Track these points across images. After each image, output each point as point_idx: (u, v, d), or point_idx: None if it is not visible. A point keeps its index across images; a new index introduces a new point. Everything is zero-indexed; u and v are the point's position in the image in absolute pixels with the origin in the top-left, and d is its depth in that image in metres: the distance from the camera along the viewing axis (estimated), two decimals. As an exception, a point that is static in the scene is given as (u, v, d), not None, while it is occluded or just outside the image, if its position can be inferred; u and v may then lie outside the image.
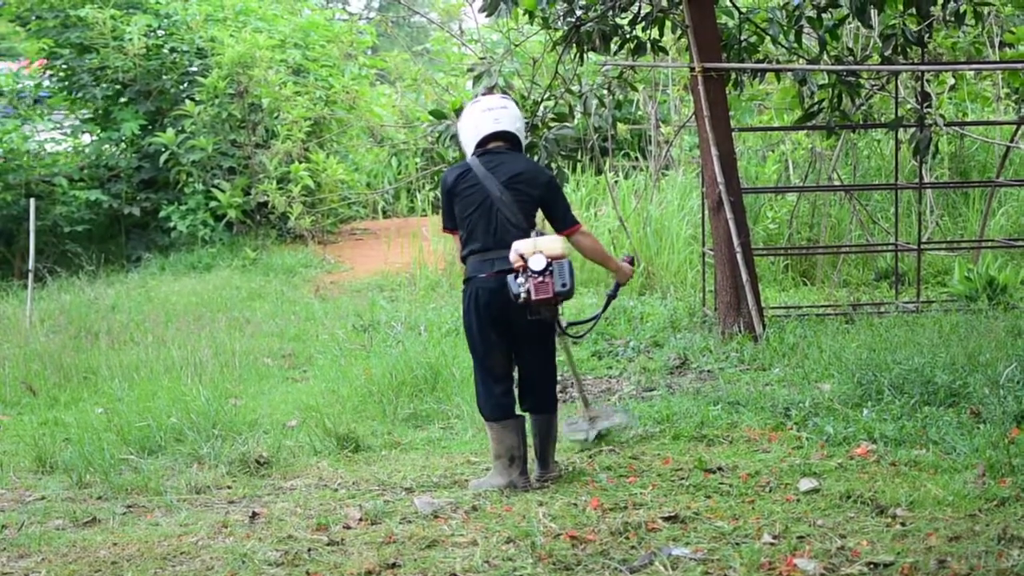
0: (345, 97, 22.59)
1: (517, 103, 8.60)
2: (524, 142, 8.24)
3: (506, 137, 8.01)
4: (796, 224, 16.20)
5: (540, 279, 7.50)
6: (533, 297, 7.50)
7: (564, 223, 8.01)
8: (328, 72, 23.01)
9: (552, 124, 12.02)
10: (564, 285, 7.52)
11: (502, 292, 7.66)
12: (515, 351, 7.95)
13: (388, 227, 22.33)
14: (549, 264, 7.52)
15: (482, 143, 8.00)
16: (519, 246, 7.61)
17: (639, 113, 21.11)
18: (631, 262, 8.48)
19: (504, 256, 7.69)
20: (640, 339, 12.15)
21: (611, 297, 8.71)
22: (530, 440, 8.00)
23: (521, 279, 7.52)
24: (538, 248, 7.56)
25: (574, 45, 12.03)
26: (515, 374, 8.04)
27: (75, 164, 21.77)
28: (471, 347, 7.98)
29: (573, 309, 13.56)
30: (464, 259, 7.94)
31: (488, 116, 8.02)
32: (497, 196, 7.80)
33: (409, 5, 28.29)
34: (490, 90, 10.72)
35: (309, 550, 6.74)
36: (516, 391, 8.04)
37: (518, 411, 7.98)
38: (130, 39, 21.33)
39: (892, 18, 12.13)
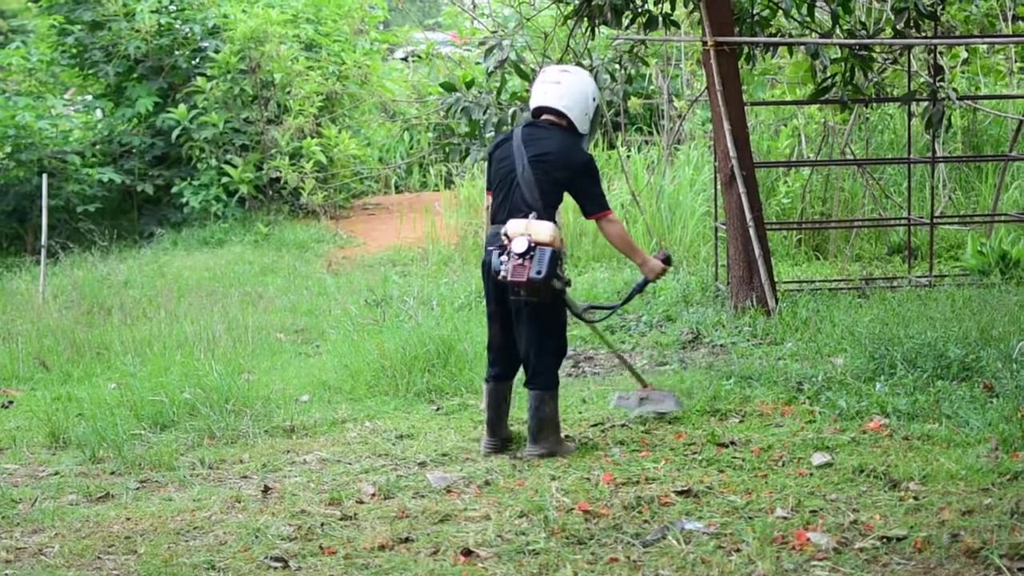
0: (357, 72, 22.57)
1: (589, 77, 8.26)
2: (584, 120, 8.00)
3: (557, 112, 7.94)
4: (809, 198, 16.16)
5: (519, 261, 7.56)
6: (509, 278, 7.57)
7: (589, 209, 7.97)
8: (340, 47, 22.99)
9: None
10: (539, 272, 7.51)
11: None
12: (513, 325, 7.99)
13: (400, 202, 22.35)
14: (531, 249, 7.55)
15: (535, 113, 8.03)
16: (510, 226, 7.68)
17: (651, 87, 21.07)
18: (666, 260, 8.17)
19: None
20: (653, 313, 12.14)
21: (635, 290, 8.49)
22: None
23: (504, 258, 7.58)
24: (528, 231, 7.61)
25: (585, 19, 12.00)
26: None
27: (87, 141, 21.79)
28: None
29: (586, 284, 13.58)
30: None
31: (542, 88, 8.02)
32: (520, 172, 7.80)
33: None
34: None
35: (322, 524, 6.76)
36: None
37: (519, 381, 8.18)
38: (141, 18, 21.33)
39: (905, -9, 12.10)
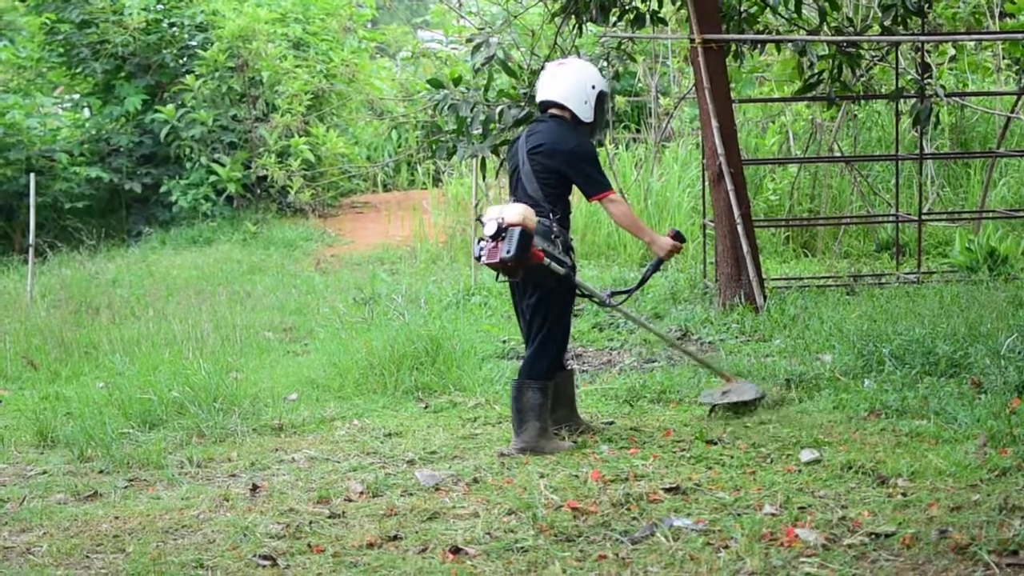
0: (345, 70, 22.56)
1: (590, 66, 8.27)
2: (584, 108, 7.96)
3: (557, 104, 7.98)
4: (797, 195, 16.18)
5: (492, 244, 7.59)
6: (484, 260, 7.64)
7: (588, 192, 7.91)
8: (328, 45, 22.97)
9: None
10: (508, 252, 7.50)
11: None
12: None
13: (388, 200, 22.34)
14: (501, 230, 7.56)
15: (541, 108, 8.10)
16: (487, 212, 7.75)
17: (639, 85, 21.08)
18: (675, 236, 8.03)
19: None
20: (641, 311, 12.14)
21: (650, 270, 8.27)
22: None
23: (482, 243, 7.63)
24: (501, 215, 7.62)
25: (572, 16, 12.00)
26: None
27: (75, 139, 21.76)
28: None
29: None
30: None
31: (541, 82, 8.11)
32: (521, 166, 7.92)
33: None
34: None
35: (311, 523, 6.74)
36: None
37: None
38: (130, 14, 21.30)
39: (892, -12, 12.10)
